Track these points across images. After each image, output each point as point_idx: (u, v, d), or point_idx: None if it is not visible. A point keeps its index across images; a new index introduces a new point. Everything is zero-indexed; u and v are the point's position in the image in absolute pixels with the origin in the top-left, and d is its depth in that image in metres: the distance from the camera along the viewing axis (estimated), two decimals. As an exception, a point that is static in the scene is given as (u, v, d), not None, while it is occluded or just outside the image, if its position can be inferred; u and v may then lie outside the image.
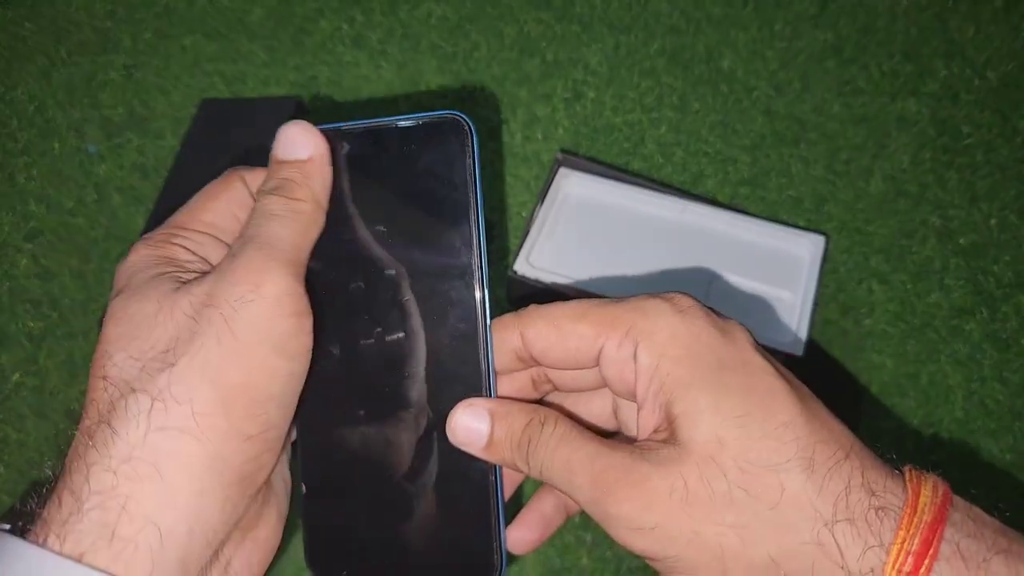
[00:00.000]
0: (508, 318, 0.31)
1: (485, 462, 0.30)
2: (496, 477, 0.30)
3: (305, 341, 0.29)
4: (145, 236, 0.32)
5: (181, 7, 0.67)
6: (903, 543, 0.24)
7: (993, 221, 0.57)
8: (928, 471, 0.27)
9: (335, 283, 0.32)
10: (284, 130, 0.31)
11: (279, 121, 0.64)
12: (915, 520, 0.24)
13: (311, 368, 0.30)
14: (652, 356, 0.28)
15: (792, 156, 0.59)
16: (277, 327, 0.28)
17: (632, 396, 0.29)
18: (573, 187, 0.57)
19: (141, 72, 0.64)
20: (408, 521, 0.31)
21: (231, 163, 0.62)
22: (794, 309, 0.52)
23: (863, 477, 0.25)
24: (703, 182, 0.59)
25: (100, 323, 0.54)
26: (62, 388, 0.53)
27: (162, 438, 0.26)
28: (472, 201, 0.30)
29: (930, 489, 0.25)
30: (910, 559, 0.24)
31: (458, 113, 0.30)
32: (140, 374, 0.27)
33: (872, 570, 0.24)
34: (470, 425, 0.30)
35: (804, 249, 0.54)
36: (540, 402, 0.34)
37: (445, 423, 0.30)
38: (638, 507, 0.26)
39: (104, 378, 0.27)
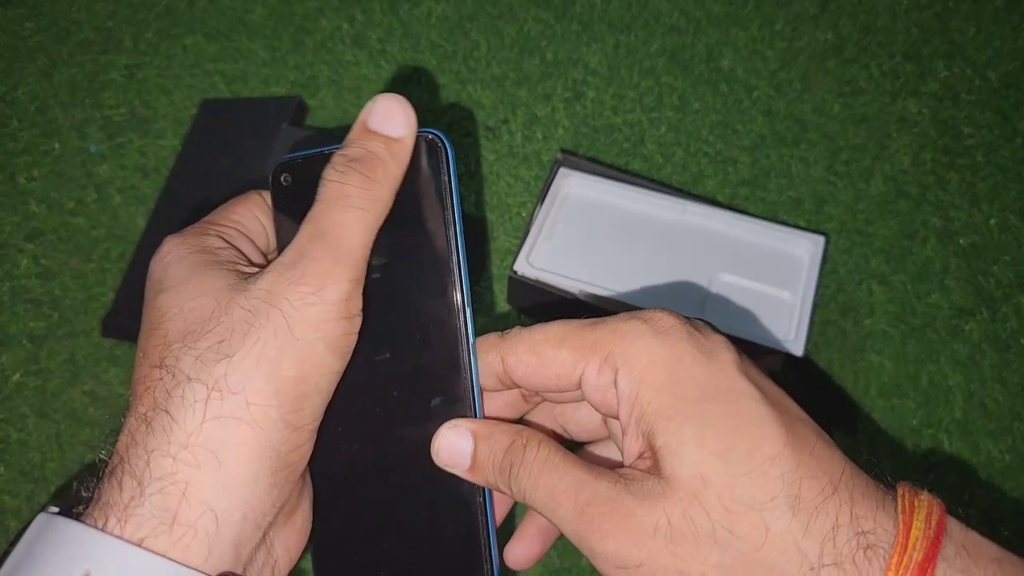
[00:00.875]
0: (491, 339, 0.31)
1: (472, 487, 0.30)
2: (485, 497, 0.30)
3: (353, 340, 0.30)
4: (177, 233, 0.33)
5: (182, 7, 0.67)
6: None
7: (993, 222, 0.57)
8: (924, 489, 0.26)
9: None
10: (383, 100, 0.30)
11: (279, 121, 0.64)
12: (904, 560, 0.24)
13: None
14: (632, 383, 0.27)
15: (792, 156, 0.59)
16: (333, 328, 0.29)
17: (615, 418, 0.29)
18: (573, 187, 0.57)
19: (143, 72, 0.64)
20: (399, 539, 0.31)
21: (231, 163, 0.62)
22: (794, 309, 0.52)
23: (851, 513, 0.25)
24: (703, 182, 0.59)
25: (102, 323, 0.54)
26: (63, 388, 0.53)
27: (218, 426, 0.27)
28: (451, 218, 0.31)
29: (923, 520, 0.24)
30: None
31: (433, 131, 0.31)
32: (196, 364, 0.28)
33: None
34: (453, 447, 0.30)
35: (804, 249, 0.54)
36: (523, 420, 0.34)
37: (430, 443, 0.30)
38: (623, 545, 0.26)
39: (160, 367, 0.28)
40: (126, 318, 0.55)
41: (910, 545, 0.24)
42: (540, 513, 0.28)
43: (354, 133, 0.31)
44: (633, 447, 0.28)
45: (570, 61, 0.63)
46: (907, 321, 0.54)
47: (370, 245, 0.30)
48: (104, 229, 0.59)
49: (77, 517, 0.27)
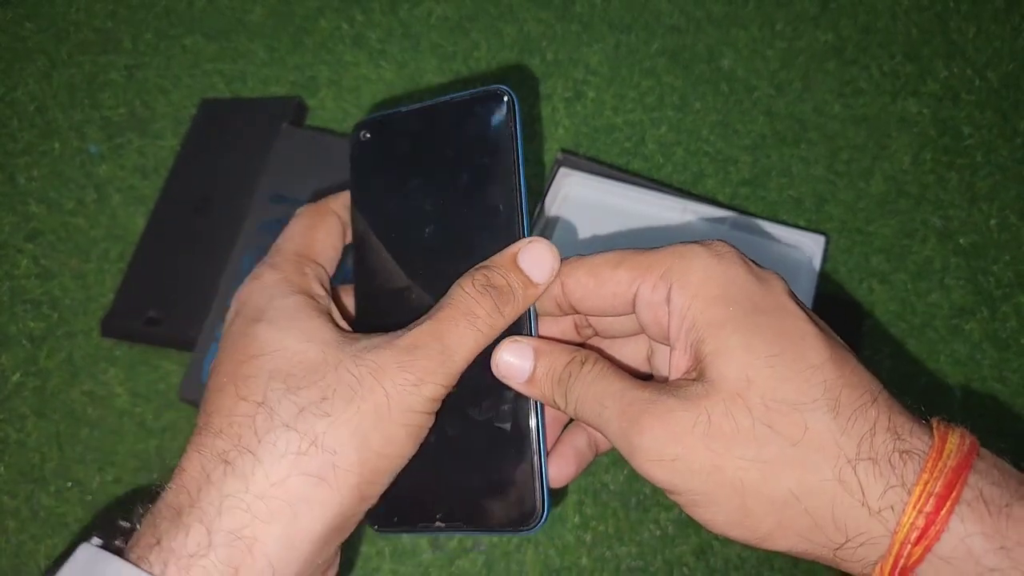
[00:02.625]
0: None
1: (528, 409, 0.32)
2: (539, 423, 0.31)
3: (424, 434, 0.31)
4: (271, 262, 0.34)
5: (181, 7, 0.67)
6: (926, 485, 0.24)
7: (993, 221, 0.57)
8: (956, 424, 0.27)
9: (396, 236, 0.35)
10: (539, 245, 0.32)
11: (279, 121, 0.64)
12: (939, 464, 0.24)
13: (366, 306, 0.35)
14: (686, 297, 0.28)
15: (793, 156, 0.59)
16: (419, 420, 0.30)
17: (666, 339, 0.30)
18: (573, 187, 0.57)
19: (142, 72, 0.64)
20: (454, 465, 0.32)
21: (231, 163, 0.62)
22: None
23: (889, 421, 0.25)
24: (703, 182, 0.59)
25: (101, 323, 0.54)
26: (62, 388, 0.53)
27: (302, 483, 0.28)
28: (515, 164, 0.33)
29: (957, 437, 0.25)
30: (932, 501, 0.24)
31: (501, 87, 0.33)
32: (298, 415, 0.28)
33: (892, 508, 0.24)
34: (512, 360, 0.31)
35: (804, 249, 0.54)
36: (581, 345, 0.35)
37: (489, 363, 0.31)
38: (660, 437, 0.26)
39: (261, 404, 0.29)
40: (125, 319, 0.54)
41: (945, 454, 0.25)
42: (587, 422, 0.29)
43: (501, 260, 0.32)
44: (681, 362, 0.29)
45: (570, 61, 0.63)
46: (907, 320, 0.54)
47: (470, 362, 0.31)
48: (103, 229, 0.58)
49: (126, 555, 0.27)
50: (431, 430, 0.31)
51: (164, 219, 0.58)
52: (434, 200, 0.34)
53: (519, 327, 0.32)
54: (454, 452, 0.32)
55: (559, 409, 0.31)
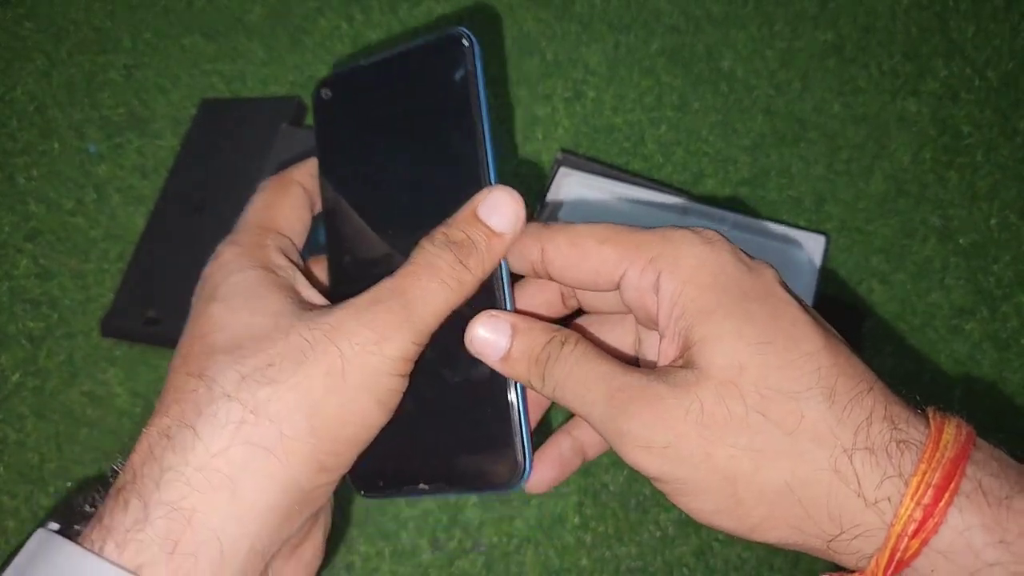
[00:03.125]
0: (533, 227, 0.30)
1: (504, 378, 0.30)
2: (518, 385, 0.30)
3: (398, 400, 0.29)
4: (231, 238, 0.32)
5: (180, 7, 0.67)
6: (924, 475, 0.24)
7: (993, 221, 0.57)
8: (952, 414, 0.26)
9: (364, 199, 0.33)
10: (498, 192, 0.30)
11: (278, 121, 0.64)
12: (937, 455, 0.24)
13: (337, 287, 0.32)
14: (676, 283, 0.27)
15: (792, 155, 0.59)
16: (385, 383, 0.28)
17: (652, 324, 0.29)
18: (573, 187, 0.57)
19: (141, 72, 0.64)
20: (433, 427, 0.31)
21: (230, 163, 0.62)
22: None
23: (886, 410, 0.25)
24: (703, 182, 0.59)
25: (101, 323, 0.54)
26: (62, 388, 0.53)
27: (245, 452, 0.26)
28: (478, 111, 0.31)
29: (954, 428, 0.25)
30: (930, 492, 0.23)
31: (460, 29, 0.32)
32: (240, 383, 0.27)
33: (889, 499, 0.24)
34: (487, 336, 0.30)
35: (804, 249, 0.54)
36: (563, 323, 0.34)
37: (459, 322, 0.30)
38: (650, 424, 0.26)
39: (199, 377, 0.27)
40: (125, 318, 0.54)
41: (942, 444, 0.24)
42: (569, 406, 0.28)
43: (461, 215, 0.31)
44: (669, 350, 0.28)
45: (570, 61, 0.63)
46: (907, 320, 0.54)
47: (441, 320, 0.30)
48: (103, 229, 0.58)
49: (76, 536, 0.26)
50: (407, 393, 0.30)
51: (163, 219, 0.58)
52: (401, 156, 0.33)
53: (492, 299, 0.31)
54: (433, 413, 0.31)
55: (536, 391, 0.29)
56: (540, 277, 0.31)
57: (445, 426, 0.31)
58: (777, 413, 0.25)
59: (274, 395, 0.27)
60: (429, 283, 0.29)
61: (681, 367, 0.27)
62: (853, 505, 0.24)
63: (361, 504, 0.49)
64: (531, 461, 0.30)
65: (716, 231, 0.29)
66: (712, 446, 0.25)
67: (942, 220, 0.57)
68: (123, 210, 0.59)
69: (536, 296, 0.33)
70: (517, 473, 0.30)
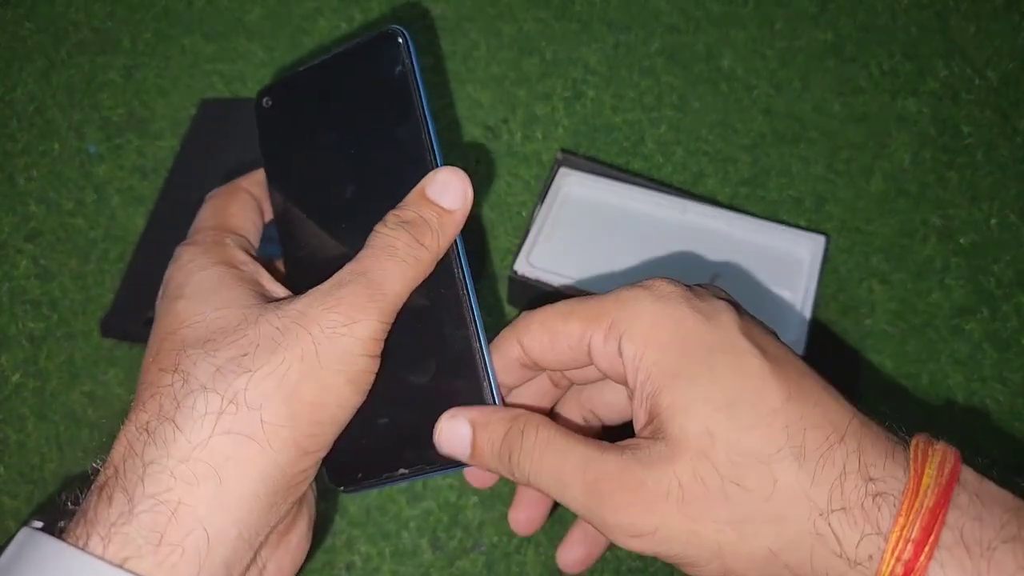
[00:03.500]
0: (505, 331, 0.31)
1: (468, 336, 0.31)
2: (481, 345, 0.31)
3: (371, 379, 0.30)
4: (188, 241, 0.33)
5: (180, 7, 0.67)
6: (902, 530, 0.23)
7: (994, 221, 0.57)
8: (938, 439, 0.26)
9: (314, 200, 0.34)
10: (444, 172, 0.31)
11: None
12: (915, 505, 0.24)
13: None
14: (636, 346, 0.27)
15: (792, 155, 0.59)
16: (357, 363, 0.29)
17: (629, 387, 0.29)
18: (573, 187, 0.57)
19: (140, 73, 0.64)
20: (403, 409, 0.32)
21: (230, 163, 0.62)
22: (794, 309, 0.52)
23: (859, 462, 0.25)
24: (703, 181, 0.59)
25: (101, 323, 0.54)
26: (62, 389, 0.53)
27: (227, 442, 0.26)
28: (418, 104, 0.32)
29: (935, 468, 0.24)
30: (909, 547, 0.23)
31: (392, 27, 0.33)
32: (215, 374, 0.27)
33: (871, 557, 0.24)
34: (453, 437, 0.30)
35: (804, 249, 0.54)
36: (555, 410, 0.34)
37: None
38: (637, 514, 0.26)
39: (174, 371, 0.28)
40: (125, 319, 0.54)
41: (921, 492, 0.24)
42: (548, 495, 0.28)
43: (411, 197, 0.31)
44: (640, 413, 0.28)
45: (569, 61, 0.63)
46: (907, 320, 0.54)
47: (404, 298, 0.30)
48: (103, 230, 0.58)
49: (60, 533, 0.26)
50: (377, 381, 0.30)
51: (164, 219, 0.58)
52: (347, 156, 0.33)
53: (452, 280, 0.31)
54: (403, 398, 0.32)
55: (516, 482, 0.29)
56: (533, 371, 0.32)
57: (417, 408, 0.31)
58: (752, 480, 0.25)
59: (251, 383, 0.27)
60: (388, 262, 0.30)
61: (653, 438, 0.27)
62: (837, 565, 0.24)
63: (361, 504, 0.49)
64: (497, 388, 0.31)
65: (669, 281, 0.29)
66: (696, 524, 0.25)
67: (942, 220, 0.57)
68: (123, 211, 0.59)
69: (528, 387, 0.33)
70: None
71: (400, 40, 0.32)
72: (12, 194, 0.60)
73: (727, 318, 0.28)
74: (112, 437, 0.29)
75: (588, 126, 0.61)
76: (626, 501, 0.26)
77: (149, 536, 0.25)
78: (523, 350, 0.31)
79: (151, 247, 0.57)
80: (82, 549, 0.25)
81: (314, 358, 0.28)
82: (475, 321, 0.31)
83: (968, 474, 0.25)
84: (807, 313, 0.51)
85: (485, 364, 0.31)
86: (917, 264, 0.56)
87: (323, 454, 0.29)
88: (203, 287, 0.30)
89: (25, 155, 0.61)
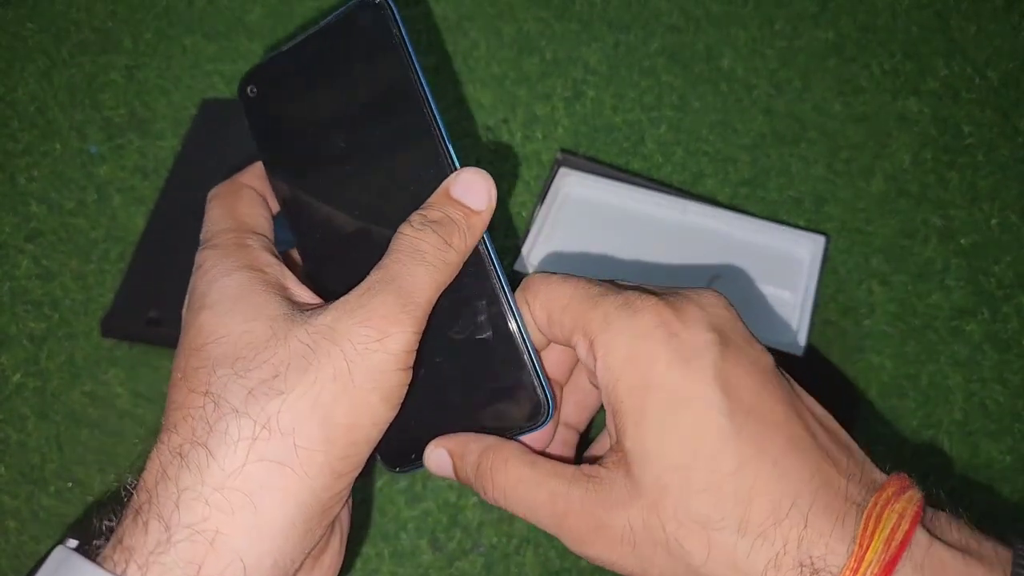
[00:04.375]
0: (518, 293, 0.32)
1: (504, 312, 0.31)
2: (519, 323, 0.31)
3: (404, 393, 0.29)
4: (207, 245, 0.31)
5: (181, 7, 0.67)
6: None
7: (994, 221, 0.57)
8: (912, 485, 0.25)
9: (321, 186, 0.33)
10: (468, 173, 0.31)
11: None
12: None
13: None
14: (608, 377, 0.28)
15: (792, 155, 0.59)
16: (391, 379, 0.28)
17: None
18: (573, 187, 0.57)
19: (142, 73, 0.64)
20: (450, 388, 0.32)
21: (231, 163, 0.62)
22: (794, 309, 0.52)
23: (799, 538, 0.24)
24: (703, 181, 0.59)
25: (101, 323, 0.54)
26: (63, 389, 0.53)
27: (261, 469, 0.26)
28: (414, 75, 0.31)
29: (882, 539, 0.24)
30: None
31: None
32: (247, 398, 0.26)
33: None
34: (439, 464, 0.32)
35: (804, 249, 0.54)
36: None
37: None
38: (600, 550, 0.28)
39: (205, 394, 0.27)
40: (126, 319, 0.55)
41: (862, 570, 0.24)
42: (524, 518, 0.30)
43: (435, 198, 0.31)
44: (611, 431, 0.29)
45: (569, 60, 0.63)
46: (907, 321, 0.54)
47: (434, 302, 0.30)
48: (104, 230, 0.59)
49: (95, 556, 0.26)
50: (421, 363, 0.29)
51: (164, 219, 0.58)
52: (346, 135, 0.32)
53: (486, 279, 0.31)
54: (448, 377, 0.32)
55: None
56: (548, 338, 0.32)
57: (462, 386, 0.32)
58: (691, 543, 0.26)
59: (284, 406, 0.26)
60: (417, 268, 0.29)
61: (616, 468, 0.28)
62: None
63: (361, 505, 0.49)
64: (551, 396, 0.31)
65: (657, 307, 0.28)
66: (644, 566, 0.27)
67: (943, 220, 0.57)
68: (124, 211, 0.59)
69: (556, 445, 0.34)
70: (541, 410, 0.31)
71: (380, 5, 0.31)
72: (13, 194, 0.60)
73: (706, 361, 0.27)
74: (114, 435, 0.28)
75: (588, 126, 0.61)
76: (590, 539, 0.28)
77: (187, 567, 0.25)
78: (533, 315, 0.31)
79: (152, 247, 0.57)
80: None
81: (347, 377, 0.27)
82: (515, 315, 0.31)
83: (921, 537, 0.24)
84: (807, 313, 0.51)
85: (530, 353, 0.31)
86: (917, 265, 0.56)
87: (356, 473, 0.29)
88: (227, 295, 0.29)
89: (26, 155, 0.61)
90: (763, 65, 0.62)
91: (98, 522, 0.27)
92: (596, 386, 0.30)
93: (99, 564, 0.25)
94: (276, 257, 0.32)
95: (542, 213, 0.55)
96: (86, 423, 0.52)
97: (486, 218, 0.31)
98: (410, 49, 0.31)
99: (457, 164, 0.31)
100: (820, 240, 0.54)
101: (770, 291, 0.52)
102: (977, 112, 0.60)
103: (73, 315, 0.56)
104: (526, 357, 0.31)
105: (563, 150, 0.60)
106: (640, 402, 0.27)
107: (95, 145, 0.62)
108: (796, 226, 0.55)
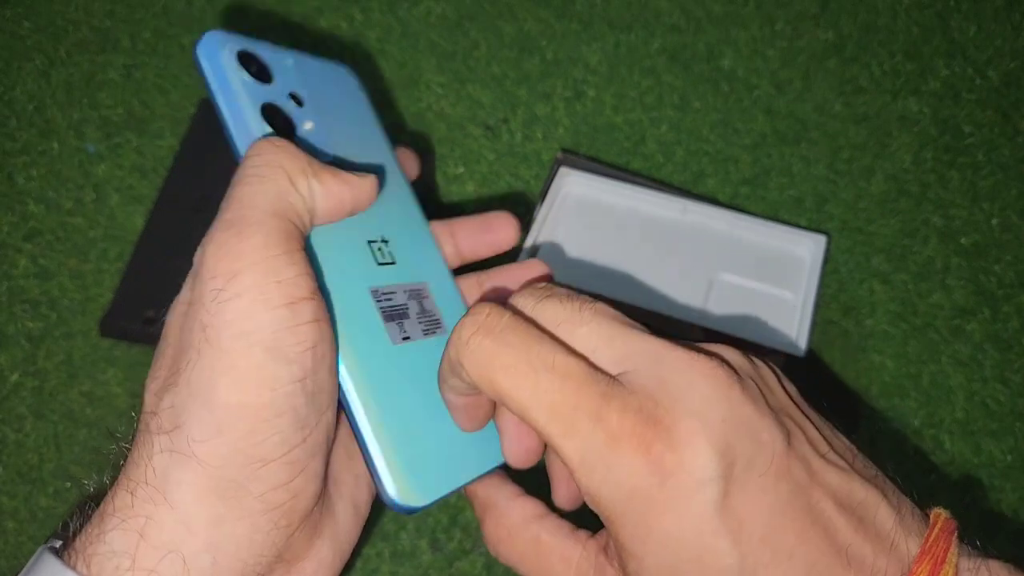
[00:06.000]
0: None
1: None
2: None
3: (305, 334, 0.24)
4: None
5: (180, 6, 0.66)
6: None
7: (995, 221, 0.57)
8: (952, 538, 0.23)
9: None
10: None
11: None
12: None
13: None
14: (607, 520, 0.23)
15: (793, 155, 0.59)
16: (264, 325, 0.23)
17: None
18: (573, 187, 0.57)
19: (140, 72, 0.64)
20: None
21: (230, 163, 0.61)
22: (795, 309, 0.51)
23: None
24: (704, 181, 0.59)
25: (100, 323, 0.54)
26: (61, 389, 0.53)
27: (168, 462, 0.24)
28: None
29: None
30: None
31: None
32: (155, 396, 0.26)
33: None
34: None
35: (805, 249, 0.54)
36: None
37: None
38: None
39: (146, 391, 0.27)
40: (124, 318, 0.54)
41: None
42: None
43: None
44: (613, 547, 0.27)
45: (570, 60, 0.63)
46: (908, 321, 0.54)
47: (286, 216, 0.25)
48: (102, 229, 0.58)
49: (62, 553, 0.26)
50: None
51: (163, 219, 0.58)
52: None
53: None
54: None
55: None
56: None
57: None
58: None
59: (175, 399, 0.24)
60: (236, 188, 0.27)
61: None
62: None
63: (361, 505, 0.49)
64: None
65: (643, 445, 0.22)
66: None
67: (944, 220, 0.57)
68: (122, 210, 0.59)
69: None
70: None
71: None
72: (11, 193, 0.60)
73: (707, 504, 0.22)
74: (112, 435, 0.29)
75: (588, 126, 0.61)
76: None
77: (120, 559, 0.24)
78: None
79: (150, 246, 0.57)
80: (73, 568, 0.24)
81: (209, 346, 0.23)
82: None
83: None
84: (808, 313, 0.51)
85: None
86: (918, 264, 0.56)
87: (298, 454, 0.25)
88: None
89: (24, 154, 0.61)
90: (764, 65, 0.62)
91: (74, 520, 0.27)
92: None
93: (62, 560, 0.25)
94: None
95: (542, 213, 0.55)
96: (84, 423, 0.52)
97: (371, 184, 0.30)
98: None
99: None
100: (821, 240, 0.54)
101: (771, 291, 0.52)
102: (978, 112, 0.60)
103: (71, 314, 0.55)
104: None
105: (564, 150, 0.60)
106: (642, 546, 0.22)
107: (93, 144, 0.61)
108: (797, 226, 0.55)
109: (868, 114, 0.60)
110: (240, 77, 0.33)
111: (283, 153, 0.27)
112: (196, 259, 0.26)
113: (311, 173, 0.27)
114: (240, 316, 0.23)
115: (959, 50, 0.62)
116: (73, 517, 0.27)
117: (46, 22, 0.66)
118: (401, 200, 0.37)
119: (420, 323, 0.32)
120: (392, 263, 0.33)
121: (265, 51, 0.35)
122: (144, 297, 0.55)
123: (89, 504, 0.27)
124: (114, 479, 0.27)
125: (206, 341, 0.23)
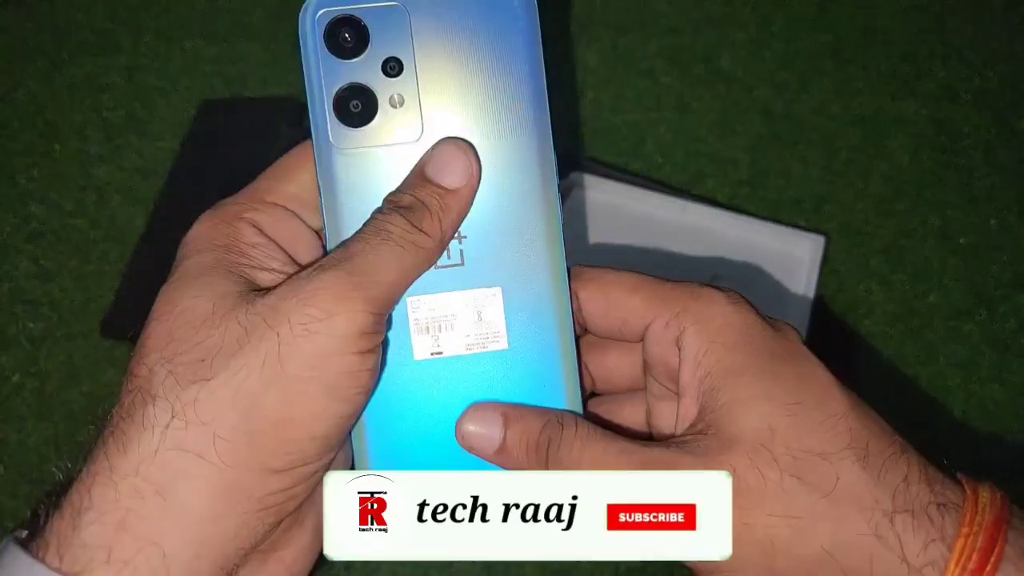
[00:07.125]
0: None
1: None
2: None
3: (366, 380, 0.26)
4: (217, 205, 0.29)
5: (181, 9, 0.67)
6: (967, 539, 0.23)
7: (992, 222, 0.57)
8: (982, 480, 0.26)
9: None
10: (443, 146, 0.28)
11: (279, 122, 0.64)
12: (977, 518, 0.23)
13: None
14: (702, 341, 0.27)
15: (791, 156, 0.60)
16: (336, 366, 0.25)
17: (670, 380, 0.28)
18: (572, 188, 0.57)
19: (141, 74, 0.64)
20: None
21: (230, 165, 0.62)
22: (793, 310, 0.52)
23: (921, 472, 0.24)
24: (702, 182, 0.59)
25: (102, 323, 0.54)
26: (62, 389, 0.53)
27: (175, 457, 0.24)
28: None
29: (988, 492, 0.24)
30: (975, 556, 0.23)
31: None
32: (168, 383, 0.25)
33: (933, 565, 0.23)
34: (476, 430, 0.28)
35: (803, 249, 0.54)
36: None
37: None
38: None
39: (136, 375, 0.26)
40: (124, 319, 0.54)
41: (980, 507, 0.24)
42: None
43: (409, 178, 0.28)
44: (690, 410, 0.27)
45: (569, 62, 0.63)
46: (906, 321, 0.54)
47: (403, 289, 0.27)
48: (103, 231, 0.58)
49: (28, 544, 0.25)
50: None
51: (163, 220, 0.58)
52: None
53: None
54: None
55: None
56: (579, 324, 0.31)
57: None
58: (812, 476, 0.24)
59: (203, 394, 0.24)
60: (381, 245, 0.26)
61: (702, 434, 0.26)
62: (897, 571, 0.23)
63: (361, 504, 0.49)
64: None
65: (739, 293, 0.28)
66: (748, 515, 0.24)
67: (941, 221, 0.57)
68: (123, 212, 0.59)
69: None
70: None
71: None
72: (13, 194, 0.60)
73: (793, 334, 0.28)
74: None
75: (587, 127, 0.61)
76: None
77: (96, 552, 0.24)
78: (577, 305, 0.30)
79: (151, 248, 0.57)
80: (42, 561, 0.24)
81: (277, 365, 0.24)
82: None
83: (1014, 507, 0.25)
84: (806, 313, 0.51)
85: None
86: (916, 265, 0.56)
87: (308, 469, 0.26)
88: (192, 271, 0.27)
89: (26, 156, 0.61)
90: (762, 67, 0.62)
91: (38, 512, 0.26)
92: (662, 370, 0.28)
93: (28, 552, 0.24)
94: (270, 239, 0.29)
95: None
96: (85, 423, 0.52)
97: (466, 194, 0.28)
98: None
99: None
100: (819, 240, 0.54)
101: (770, 291, 0.52)
102: (974, 113, 0.60)
103: (72, 315, 0.56)
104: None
105: (563, 151, 0.60)
106: (740, 357, 0.26)
107: (94, 146, 0.62)
108: (795, 226, 0.56)
109: (865, 115, 0.61)
110: (317, 55, 0.28)
111: (436, 238, 0.28)
112: (303, 273, 0.26)
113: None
114: (318, 353, 0.24)
115: (956, 52, 0.62)
116: (42, 505, 0.26)
117: (48, 24, 0.66)
118: (520, 182, 0.31)
119: (467, 337, 0.29)
120: (459, 264, 0.29)
121: (368, 11, 0.29)
122: (145, 298, 0.55)
123: (58, 492, 0.26)
124: (83, 467, 0.26)
125: (275, 360, 0.24)
